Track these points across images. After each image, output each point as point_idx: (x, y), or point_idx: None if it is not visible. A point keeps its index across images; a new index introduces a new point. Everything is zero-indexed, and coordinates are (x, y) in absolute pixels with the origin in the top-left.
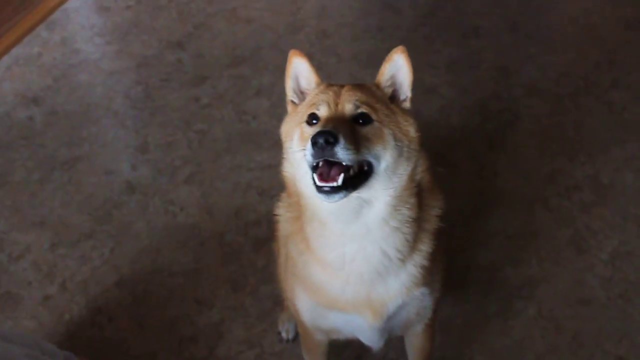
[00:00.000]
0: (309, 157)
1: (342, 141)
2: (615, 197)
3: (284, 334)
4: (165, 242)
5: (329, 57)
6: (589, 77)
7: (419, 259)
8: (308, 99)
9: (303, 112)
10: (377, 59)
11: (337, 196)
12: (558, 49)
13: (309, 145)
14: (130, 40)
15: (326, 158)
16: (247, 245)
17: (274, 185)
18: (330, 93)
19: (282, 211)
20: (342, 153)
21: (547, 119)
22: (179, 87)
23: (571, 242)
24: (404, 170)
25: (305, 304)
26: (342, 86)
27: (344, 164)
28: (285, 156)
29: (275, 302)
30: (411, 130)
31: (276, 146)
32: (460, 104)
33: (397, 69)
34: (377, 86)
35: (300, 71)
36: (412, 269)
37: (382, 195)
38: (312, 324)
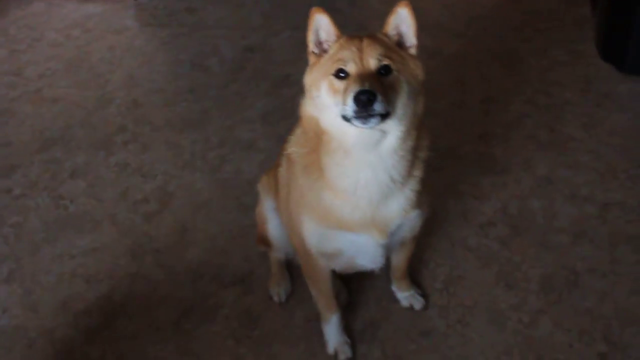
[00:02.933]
0: (351, 112)
1: (379, 97)
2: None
3: (275, 298)
4: None
5: (142, 126)
6: None
7: (413, 183)
8: (331, 52)
9: (329, 65)
10: (192, 121)
11: (373, 121)
12: None
13: (350, 102)
14: None
15: (366, 112)
16: (79, 338)
17: (101, 269)
18: (354, 49)
19: (296, 148)
20: (379, 106)
21: None
22: None
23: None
24: (413, 108)
25: (313, 229)
26: (360, 39)
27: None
28: (308, 100)
29: None
30: (420, 72)
31: (98, 227)
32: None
33: (401, 20)
34: (387, 36)
35: (321, 25)
36: (409, 192)
37: (395, 128)
38: (317, 248)
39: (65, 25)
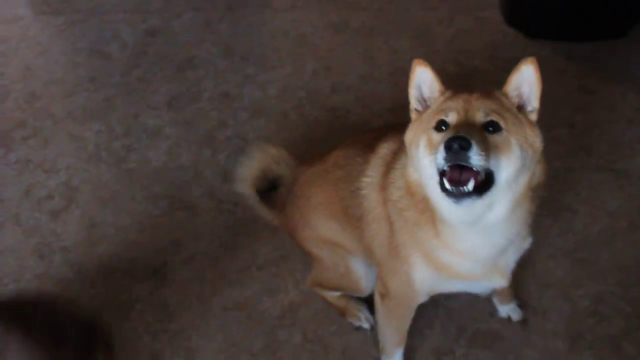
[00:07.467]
0: (441, 161)
1: (475, 147)
2: None
3: (365, 325)
4: None
5: (42, 119)
6: (309, 87)
7: (529, 220)
8: (434, 106)
9: (429, 119)
10: (95, 111)
11: (465, 201)
12: (274, 65)
13: (441, 148)
14: None
15: (458, 162)
16: None
17: (6, 272)
18: (460, 101)
19: (405, 202)
20: (475, 158)
21: (276, 135)
22: None
23: None
24: (524, 179)
25: (427, 277)
26: (470, 94)
27: (474, 169)
28: (410, 162)
29: None
30: (537, 141)
31: (1, 229)
32: (188, 141)
33: (524, 80)
34: (505, 95)
35: (423, 80)
36: (524, 233)
37: (502, 200)
38: (428, 290)
39: None
